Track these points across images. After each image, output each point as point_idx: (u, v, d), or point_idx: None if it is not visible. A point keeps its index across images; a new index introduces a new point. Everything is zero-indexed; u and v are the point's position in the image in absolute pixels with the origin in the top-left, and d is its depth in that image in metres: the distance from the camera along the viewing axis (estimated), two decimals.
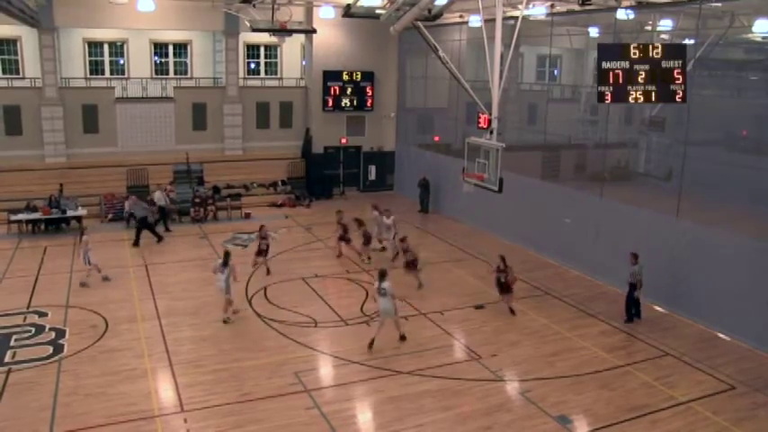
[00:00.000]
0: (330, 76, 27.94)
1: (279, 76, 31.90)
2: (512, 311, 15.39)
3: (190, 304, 15.65)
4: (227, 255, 14.87)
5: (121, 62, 29.39)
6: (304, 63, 30.67)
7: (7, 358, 12.82)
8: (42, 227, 22.28)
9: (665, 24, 23.37)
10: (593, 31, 26.47)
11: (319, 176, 28.47)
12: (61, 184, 24.09)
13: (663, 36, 23.95)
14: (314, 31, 25.06)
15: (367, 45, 28.16)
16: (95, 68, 28.98)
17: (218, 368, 12.46)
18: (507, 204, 19.56)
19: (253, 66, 31.59)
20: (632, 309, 15.06)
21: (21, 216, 22.04)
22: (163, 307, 15.43)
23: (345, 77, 28.11)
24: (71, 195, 23.73)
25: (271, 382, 11.92)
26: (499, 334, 14.31)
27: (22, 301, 15.78)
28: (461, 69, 20.89)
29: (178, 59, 30.31)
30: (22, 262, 18.85)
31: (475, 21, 23.43)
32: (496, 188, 14.13)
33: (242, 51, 30.13)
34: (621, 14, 18.46)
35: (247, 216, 24.85)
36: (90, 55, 28.83)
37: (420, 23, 15.90)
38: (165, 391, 11.70)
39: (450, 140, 26.13)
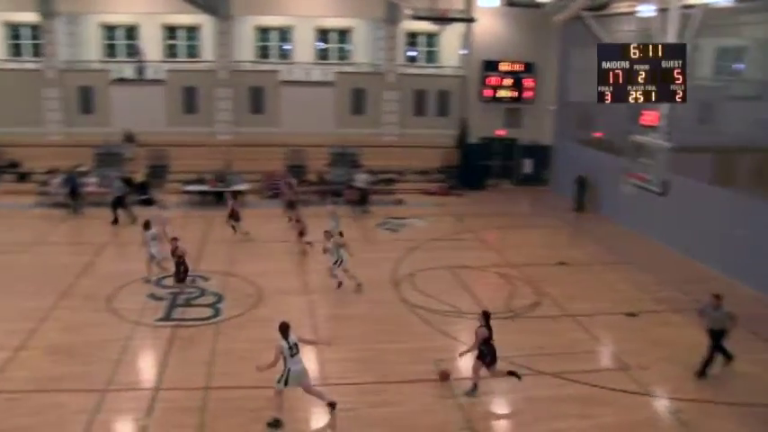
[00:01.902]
0: (489, 66, 27.51)
1: (437, 64, 32.00)
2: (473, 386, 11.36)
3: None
4: (147, 222, 16.08)
5: (287, 47, 30.97)
6: (463, 52, 30.48)
7: (175, 315, 14.18)
8: (210, 198, 24.22)
9: None
10: None
11: (473, 167, 28.18)
12: (229, 160, 25.86)
13: None
14: (474, 19, 24.79)
15: (528, 35, 27.34)
16: (263, 53, 30.79)
17: (360, 347, 12.80)
18: (671, 209, 18.22)
19: (414, 53, 31.91)
20: (710, 361, 12.02)
21: (191, 188, 24.15)
22: (313, 283, 16.09)
23: (505, 68, 27.57)
24: (235, 171, 25.40)
25: (409, 368, 12.02)
26: (651, 346, 13.32)
27: (201, 266, 17.10)
28: None
29: (340, 46, 31.38)
30: (192, 230, 20.51)
31: (647, 10, 21.90)
32: (660, 191, 13.24)
33: (402, 39, 30.55)
34: None
35: (400, 202, 25.23)
36: (259, 41, 30.68)
37: (586, 13, 15.18)
38: (309, 363, 12.18)
39: (613, 137, 24.71)
